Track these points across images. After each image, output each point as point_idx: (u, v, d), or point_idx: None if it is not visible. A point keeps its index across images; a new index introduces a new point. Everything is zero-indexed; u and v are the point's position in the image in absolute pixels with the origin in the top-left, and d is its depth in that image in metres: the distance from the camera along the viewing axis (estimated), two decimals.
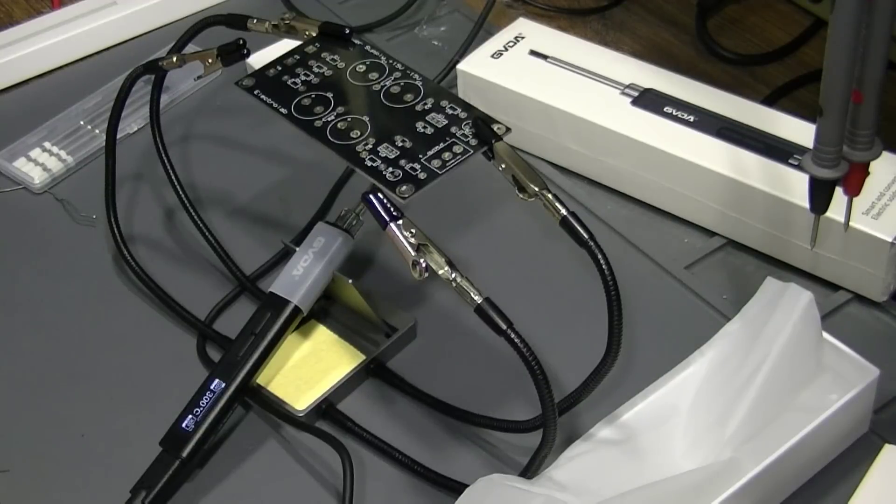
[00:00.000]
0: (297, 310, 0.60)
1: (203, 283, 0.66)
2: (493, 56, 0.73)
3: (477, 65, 0.73)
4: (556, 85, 0.70)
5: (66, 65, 0.82)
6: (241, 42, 0.64)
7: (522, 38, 0.74)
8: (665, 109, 0.68)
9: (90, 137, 0.76)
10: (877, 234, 0.60)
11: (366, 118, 0.57)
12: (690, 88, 0.69)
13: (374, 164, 0.55)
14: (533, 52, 0.73)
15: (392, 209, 0.53)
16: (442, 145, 0.55)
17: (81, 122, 0.77)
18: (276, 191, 0.72)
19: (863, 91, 0.52)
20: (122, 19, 0.84)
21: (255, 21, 0.64)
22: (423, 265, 0.52)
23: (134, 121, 0.76)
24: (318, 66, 0.60)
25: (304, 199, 0.70)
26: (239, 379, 0.58)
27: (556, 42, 0.73)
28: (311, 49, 0.61)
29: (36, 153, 0.74)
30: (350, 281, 0.60)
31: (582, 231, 0.52)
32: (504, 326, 0.50)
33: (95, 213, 0.71)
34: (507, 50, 0.73)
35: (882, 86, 0.52)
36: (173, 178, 0.67)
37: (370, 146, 0.56)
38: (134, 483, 0.56)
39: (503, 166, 0.54)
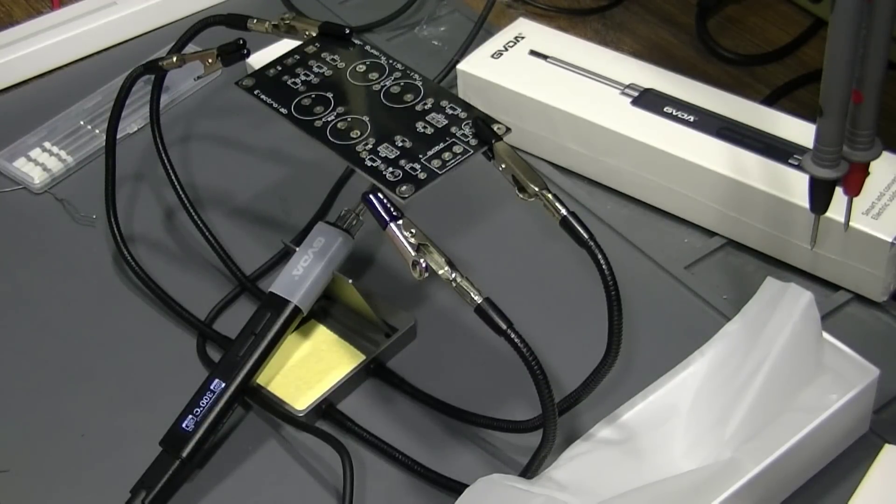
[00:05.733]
0: (297, 310, 0.60)
1: (203, 283, 0.66)
2: (493, 56, 0.73)
3: (477, 65, 0.73)
4: (556, 85, 0.70)
5: (66, 65, 0.82)
6: (241, 42, 0.64)
7: (522, 38, 0.74)
8: (665, 109, 0.68)
9: (90, 137, 0.76)
10: (877, 234, 0.60)
11: (366, 118, 0.57)
12: (690, 88, 0.69)
13: (374, 164, 0.55)
14: (533, 52, 0.73)
15: (392, 209, 0.53)
16: (442, 145, 0.55)
17: (81, 122, 0.77)
18: (276, 191, 0.72)
19: (863, 91, 0.52)
20: (122, 19, 0.84)
21: (255, 21, 0.64)
22: (423, 265, 0.52)
23: (134, 121, 0.76)
24: (318, 66, 0.60)
25: (304, 199, 0.70)
26: (239, 379, 0.58)
27: (556, 42, 0.73)
28: (311, 49, 0.61)
29: (36, 153, 0.74)
30: (350, 281, 0.60)
31: (582, 231, 0.52)
32: (504, 326, 0.50)
33: (95, 213, 0.71)
34: (507, 50, 0.73)
35: (882, 86, 0.52)
36: (173, 178, 0.67)
37: (370, 146, 0.56)
38: (134, 483, 0.56)
39: (503, 166, 0.54)
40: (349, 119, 0.57)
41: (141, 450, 0.57)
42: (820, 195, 0.56)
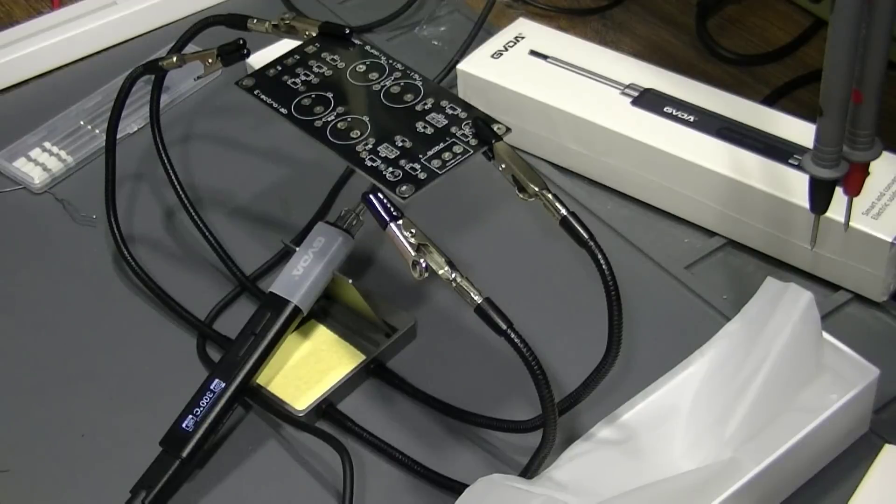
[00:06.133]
0: (297, 310, 0.60)
1: (203, 283, 0.66)
2: (493, 56, 0.73)
3: (477, 65, 0.73)
4: (556, 85, 0.70)
5: (66, 65, 0.82)
6: (241, 42, 0.64)
7: (522, 38, 0.74)
8: (665, 109, 0.68)
9: (90, 137, 0.76)
10: (877, 234, 0.60)
11: (366, 118, 0.57)
12: (690, 88, 0.69)
13: (374, 164, 0.55)
14: (533, 52, 0.73)
15: (392, 209, 0.53)
16: (442, 145, 0.55)
17: (81, 122, 0.77)
18: (276, 191, 0.72)
19: (863, 91, 0.52)
20: (122, 19, 0.84)
21: (255, 21, 0.64)
22: (423, 265, 0.52)
23: (134, 121, 0.76)
24: (318, 66, 0.60)
25: (304, 199, 0.70)
26: (239, 379, 0.58)
27: (556, 42, 0.73)
28: (311, 49, 0.61)
29: (36, 153, 0.74)
30: (350, 281, 0.60)
31: (582, 231, 0.52)
32: (504, 326, 0.50)
33: (95, 213, 0.71)
34: (507, 50, 0.73)
35: (882, 86, 0.52)
36: (173, 178, 0.67)
37: (370, 146, 0.56)
38: (134, 483, 0.56)
39: (503, 166, 0.54)
40: (349, 119, 0.57)
41: (141, 450, 0.57)
42: (820, 195, 0.56)
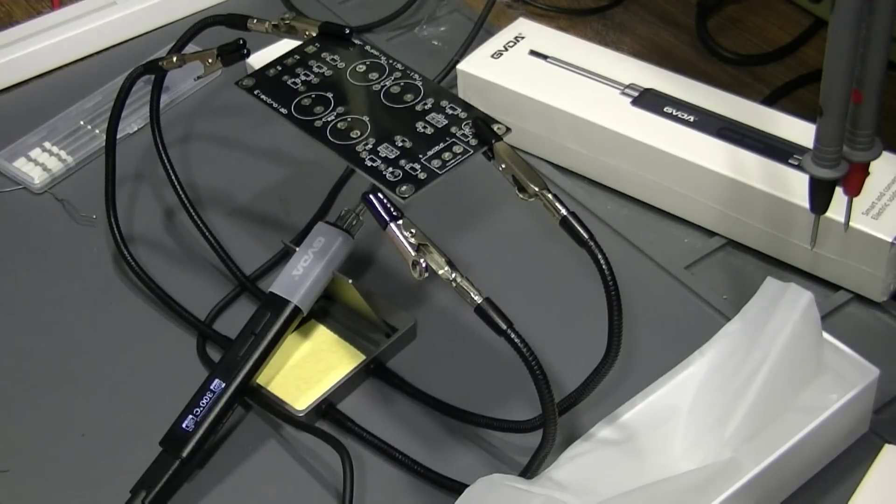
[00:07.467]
0: (297, 310, 0.60)
1: (203, 283, 0.66)
2: (493, 56, 0.73)
3: (477, 65, 0.73)
4: (556, 85, 0.70)
5: (66, 65, 0.82)
6: (241, 42, 0.64)
7: (522, 38, 0.74)
8: (665, 109, 0.68)
9: (90, 137, 0.76)
10: (877, 234, 0.60)
11: (366, 118, 0.57)
12: (690, 88, 0.69)
13: (374, 164, 0.55)
14: (533, 52, 0.73)
15: (392, 209, 0.53)
16: (442, 145, 0.55)
17: (81, 122, 0.77)
18: (276, 191, 0.72)
19: (863, 91, 0.52)
20: (122, 19, 0.84)
21: (255, 21, 0.64)
22: (423, 265, 0.52)
23: (134, 121, 0.76)
24: (318, 66, 0.60)
25: (304, 199, 0.70)
26: (239, 379, 0.58)
27: (556, 42, 0.73)
28: (311, 49, 0.61)
29: (36, 153, 0.74)
30: (350, 281, 0.60)
31: (582, 231, 0.52)
32: (504, 326, 0.50)
33: (95, 213, 0.71)
34: (507, 50, 0.73)
35: (882, 86, 0.52)
36: (173, 178, 0.67)
37: (370, 146, 0.56)
38: (134, 483, 0.56)
39: (503, 166, 0.54)
40: (349, 119, 0.57)
41: (141, 450, 0.57)
42: (820, 195, 0.56)
